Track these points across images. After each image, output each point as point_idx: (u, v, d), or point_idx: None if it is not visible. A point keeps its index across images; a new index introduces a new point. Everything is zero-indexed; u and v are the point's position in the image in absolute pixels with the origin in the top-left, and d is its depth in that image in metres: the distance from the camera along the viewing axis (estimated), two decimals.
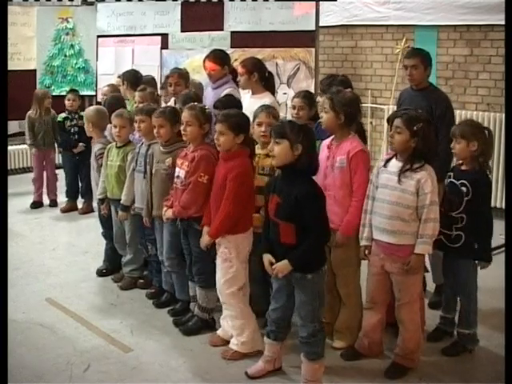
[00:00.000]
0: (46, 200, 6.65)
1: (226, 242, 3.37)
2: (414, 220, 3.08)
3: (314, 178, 3.04)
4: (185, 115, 3.61)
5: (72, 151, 6.33)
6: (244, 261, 3.41)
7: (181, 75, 4.99)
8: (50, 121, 6.48)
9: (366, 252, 3.31)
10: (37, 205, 6.56)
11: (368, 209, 3.27)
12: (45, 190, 6.67)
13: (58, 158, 7.97)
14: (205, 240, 3.43)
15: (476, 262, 3.40)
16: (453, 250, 3.41)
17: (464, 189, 3.34)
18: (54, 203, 6.62)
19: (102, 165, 4.49)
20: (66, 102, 6.35)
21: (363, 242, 3.31)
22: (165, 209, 3.76)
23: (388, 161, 3.21)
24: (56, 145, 6.63)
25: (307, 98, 4.02)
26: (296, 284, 3.00)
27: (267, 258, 3.03)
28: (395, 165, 3.15)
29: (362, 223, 3.31)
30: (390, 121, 3.18)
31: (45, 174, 6.64)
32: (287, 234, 2.93)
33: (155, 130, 3.85)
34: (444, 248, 3.45)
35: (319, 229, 2.91)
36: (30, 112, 6.43)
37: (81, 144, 6.28)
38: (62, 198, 6.54)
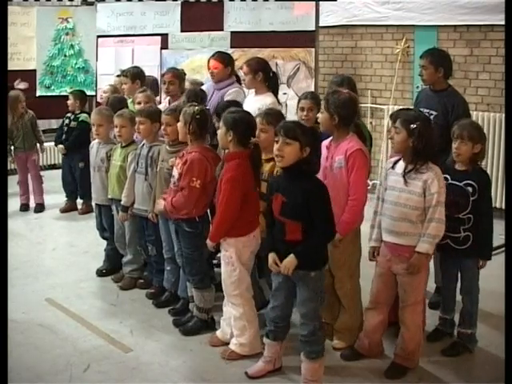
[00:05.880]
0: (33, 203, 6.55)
1: (226, 246, 3.37)
2: (422, 221, 3.07)
3: None
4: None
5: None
6: (246, 263, 3.40)
7: (175, 74, 4.97)
8: (29, 123, 6.38)
9: (375, 253, 3.30)
10: (25, 207, 6.47)
11: (378, 210, 3.27)
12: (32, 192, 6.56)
13: (57, 159, 8.03)
14: (208, 243, 3.44)
15: (481, 261, 3.41)
16: (461, 251, 3.40)
17: (470, 189, 3.33)
18: (39, 208, 6.46)
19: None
20: (70, 102, 6.35)
21: (372, 244, 3.31)
22: (158, 200, 3.77)
23: (396, 162, 3.21)
24: (38, 146, 6.53)
25: (315, 98, 4.02)
26: (299, 281, 3.01)
27: (272, 256, 3.03)
28: (402, 166, 3.15)
29: (372, 224, 3.31)
30: (392, 120, 3.18)
31: (29, 176, 6.53)
32: (294, 232, 2.93)
33: (162, 128, 3.85)
34: (451, 251, 3.43)
35: (325, 226, 2.92)
36: None
37: (60, 146, 6.34)
38: (61, 199, 6.52)
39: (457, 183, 3.38)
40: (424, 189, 3.04)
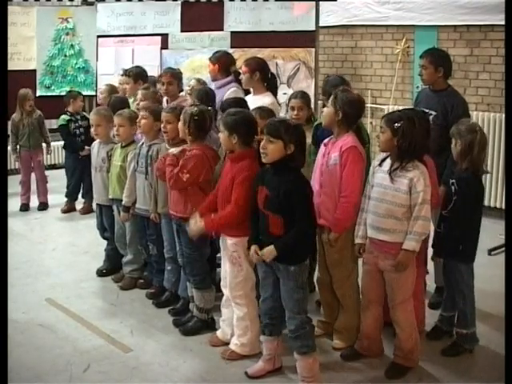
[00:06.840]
0: (35, 202, 6.51)
1: (233, 246, 3.36)
2: (408, 218, 3.08)
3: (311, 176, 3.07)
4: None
5: (78, 153, 6.22)
6: (251, 261, 3.39)
7: (173, 75, 4.97)
8: (36, 122, 6.38)
9: (361, 250, 3.32)
10: (25, 207, 6.44)
11: (364, 207, 3.28)
12: (34, 191, 6.55)
13: (57, 159, 8.02)
14: (194, 227, 3.32)
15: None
16: (438, 248, 3.44)
17: (453, 188, 3.36)
18: (43, 206, 6.48)
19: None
20: (80, 103, 6.36)
21: (358, 240, 3.32)
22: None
23: (383, 160, 3.22)
24: (45, 145, 6.53)
25: (305, 98, 4.05)
26: (280, 275, 3.05)
27: (253, 247, 3.08)
28: (389, 164, 3.17)
29: (358, 221, 3.32)
30: None
31: (33, 175, 6.52)
32: (275, 226, 2.99)
33: (162, 125, 3.85)
34: (436, 244, 3.47)
35: (304, 221, 2.94)
36: (14, 115, 6.29)
37: (87, 147, 6.15)
38: (61, 199, 6.51)
39: (450, 180, 3.42)
40: (410, 187, 3.06)
